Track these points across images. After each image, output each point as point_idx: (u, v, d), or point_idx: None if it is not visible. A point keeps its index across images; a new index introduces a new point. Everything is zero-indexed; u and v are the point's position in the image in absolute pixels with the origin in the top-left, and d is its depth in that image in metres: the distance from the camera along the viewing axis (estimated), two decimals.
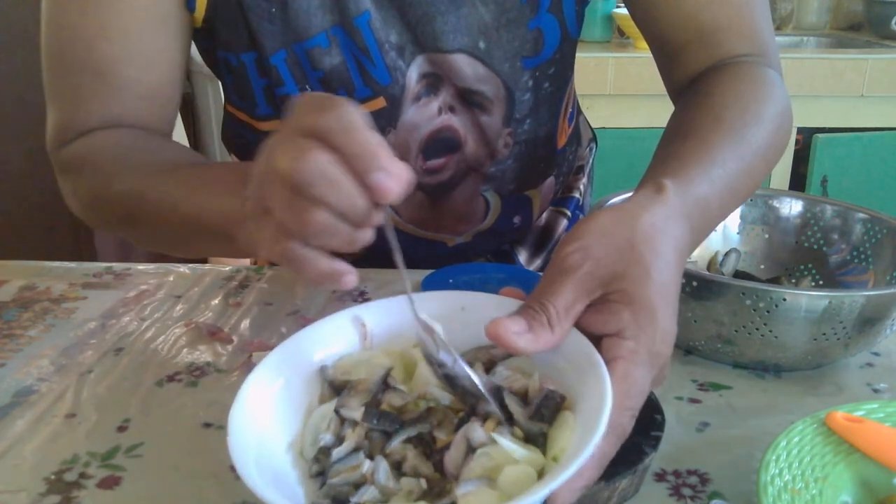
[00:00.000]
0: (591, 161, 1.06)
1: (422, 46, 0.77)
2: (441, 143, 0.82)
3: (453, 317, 0.51)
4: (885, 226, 0.75)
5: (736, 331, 0.64)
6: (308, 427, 0.47)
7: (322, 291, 0.83)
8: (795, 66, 2.02)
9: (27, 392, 0.65)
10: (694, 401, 0.64)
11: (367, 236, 0.44)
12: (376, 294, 0.82)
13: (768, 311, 0.62)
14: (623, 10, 2.21)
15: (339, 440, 0.46)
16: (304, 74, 0.76)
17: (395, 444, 0.44)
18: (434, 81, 0.79)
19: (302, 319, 0.77)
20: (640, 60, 2.04)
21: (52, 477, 0.55)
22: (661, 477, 0.55)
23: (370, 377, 0.48)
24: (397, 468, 0.44)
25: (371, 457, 0.44)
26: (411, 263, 0.95)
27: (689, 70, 0.76)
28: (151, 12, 0.72)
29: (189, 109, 2.46)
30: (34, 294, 0.84)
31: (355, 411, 0.46)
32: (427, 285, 0.77)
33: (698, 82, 0.72)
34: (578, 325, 0.46)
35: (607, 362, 0.43)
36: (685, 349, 0.70)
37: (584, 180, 1.04)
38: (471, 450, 0.43)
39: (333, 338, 0.50)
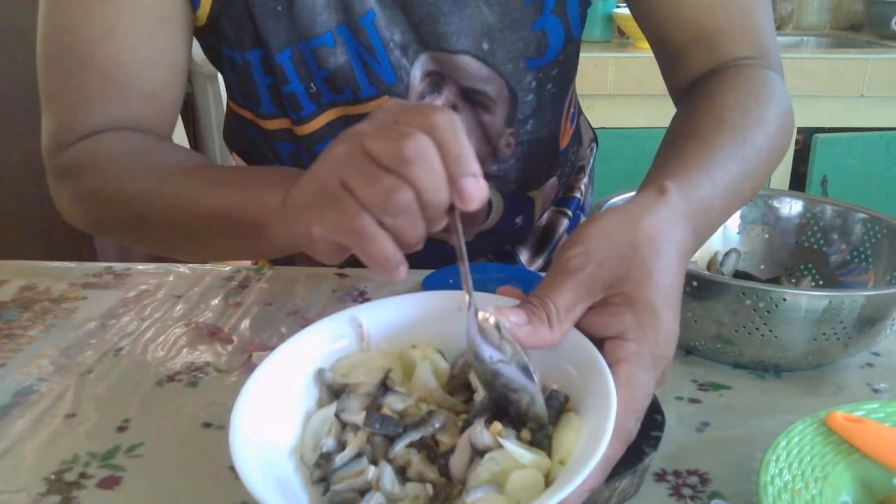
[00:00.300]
0: (591, 161, 1.06)
1: (425, 45, 0.77)
2: None
3: (451, 317, 0.51)
4: (885, 226, 0.75)
5: (736, 331, 0.64)
6: (308, 432, 0.47)
7: (323, 291, 0.83)
8: (795, 66, 2.02)
9: (27, 392, 0.65)
10: (694, 401, 0.64)
11: (424, 237, 0.45)
12: (376, 294, 0.82)
13: (768, 311, 0.62)
14: (623, 10, 2.21)
15: (341, 445, 0.45)
16: (309, 73, 0.77)
17: (399, 448, 0.44)
18: (437, 80, 0.79)
19: (302, 319, 0.77)
20: (640, 60, 2.04)
21: (52, 477, 0.55)
22: (661, 477, 0.55)
23: (369, 380, 0.48)
24: (401, 473, 0.44)
25: (374, 462, 0.44)
26: (412, 263, 0.95)
27: (691, 72, 0.76)
28: (156, 12, 0.71)
29: (189, 109, 2.46)
30: (34, 294, 0.84)
31: (356, 415, 0.46)
32: (427, 285, 0.77)
33: (700, 84, 0.72)
34: (580, 327, 0.46)
35: (610, 365, 0.43)
36: (685, 349, 0.70)
37: (585, 180, 1.04)
38: (476, 453, 0.43)
39: (331, 339, 0.50)
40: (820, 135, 2.14)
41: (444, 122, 0.43)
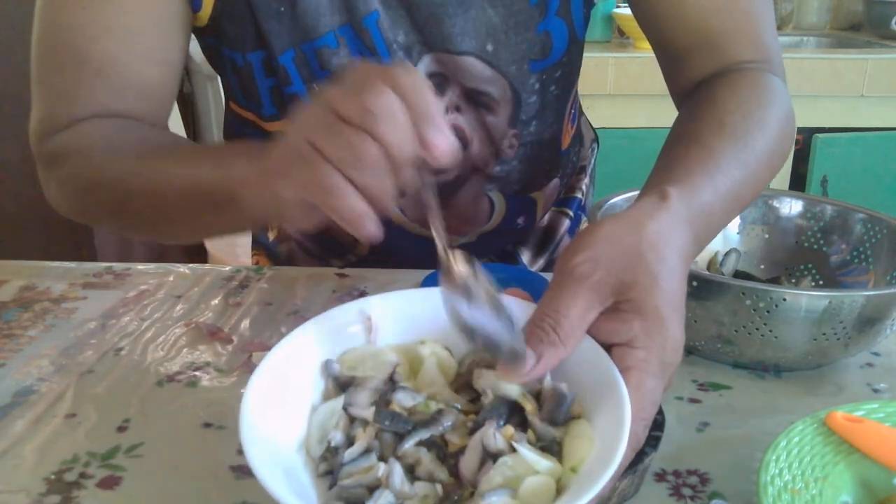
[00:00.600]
0: (593, 161, 1.06)
1: (429, 46, 0.77)
2: None
3: None
4: (885, 226, 0.75)
5: (736, 331, 0.64)
6: (314, 424, 0.46)
7: (323, 291, 0.83)
8: (795, 66, 2.02)
9: (27, 392, 0.65)
10: (694, 401, 0.64)
11: (394, 192, 0.45)
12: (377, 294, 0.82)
13: (768, 311, 0.62)
14: (623, 10, 2.21)
15: (349, 440, 0.45)
16: (311, 74, 0.77)
17: (408, 446, 0.44)
18: (440, 81, 0.79)
19: (302, 319, 0.76)
20: (641, 60, 2.04)
21: (52, 477, 0.55)
22: (661, 477, 0.55)
23: (376, 374, 0.48)
24: (410, 472, 0.43)
25: (383, 459, 0.44)
26: (415, 263, 0.95)
27: (694, 75, 0.75)
28: (153, 11, 0.72)
29: (189, 109, 2.46)
30: (34, 294, 0.84)
31: (365, 410, 0.45)
32: (427, 285, 0.77)
33: (702, 88, 0.72)
34: (588, 333, 0.46)
35: (620, 372, 0.43)
36: (685, 349, 0.70)
37: (587, 181, 1.04)
38: (487, 456, 0.43)
39: (338, 331, 0.50)
40: (820, 135, 2.14)
41: (410, 79, 0.44)
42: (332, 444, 0.45)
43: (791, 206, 0.81)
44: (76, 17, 0.71)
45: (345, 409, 0.46)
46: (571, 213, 1.02)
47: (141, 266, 0.91)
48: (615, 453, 0.39)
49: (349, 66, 0.48)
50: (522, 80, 0.80)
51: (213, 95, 2.31)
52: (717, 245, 0.81)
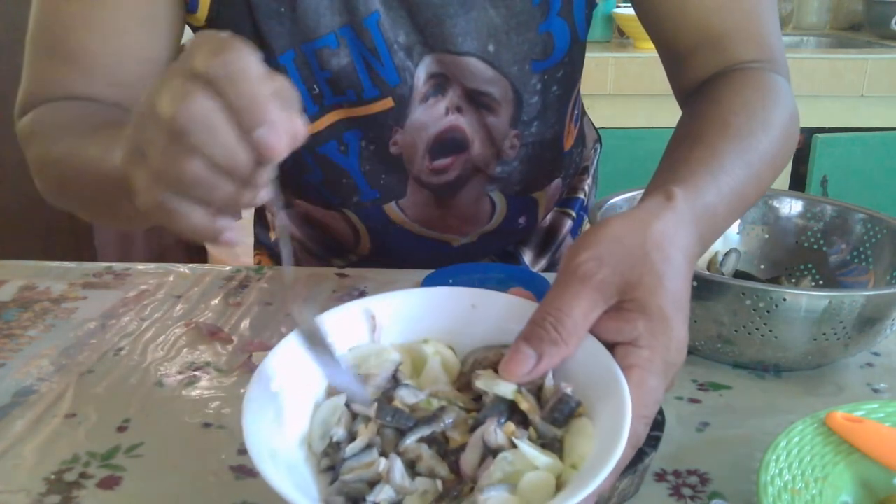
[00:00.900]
0: (595, 162, 1.06)
1: (430, 47, 0.76)
2: (448, 143, 0.82)
3: (463, 314, 0.51)
4: (885, 226, 0.75)
5: (736, 331, 0.64)
6: (316, 420, 0.46)
7: (323, 291, 0.83)
8: (795, 66, 2.00)
9: (27, 392, 0.65)
10: (694, 401, 0.64)
11: (253, 197, 0.42)
12: (377, 294, 0.82)
13: (768, 311, 0.62)
14: (623, 10, 2.21)
15: (351, 435, 0.45)
16: (311, 74, 0.76)
17: (409, 442, 0.44)
18: (441, 82, 0.79)
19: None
20: (641, 60, 2.04)
21: (52, 477, 0.55)
22: (661, 477, 0.55)
23: (380, 371, 0.48)
24: (411, 467, 0.44)
25: (384, 454, 0.44)
26: (416, 263, 0.96)
27: (697, 75, 0.75)
28: (136, 9, 0.72)
29: None
30: (34, 294, 0.84)
31: (368, 407, 0.46)
32: (427, 286, 0.77)
33: (706, 88, 0.72)
34: (592, 331, 0.46)
35: (622, 370, 0.43)
36: None
37: (589, 181, 1.04)
38: (488, 452, 0.43)
39: (342, 330, 0.50)
40: (820, 135, 2.14)
41: (225, 67, 0.39)
42: (334, 439, 0.45)
43: (791, 206, 0.81)
44: (58, 7, 0.72)
45: (347, 405, 0.46)
46: (574, 214, 1.02)
47: (141, 266, 0.91)
48: (615, 450, 0.39)
49: (195, 38, 0.42)
50: (524, 81, 0.80)
51: None
52: (717, 245, 0.81)
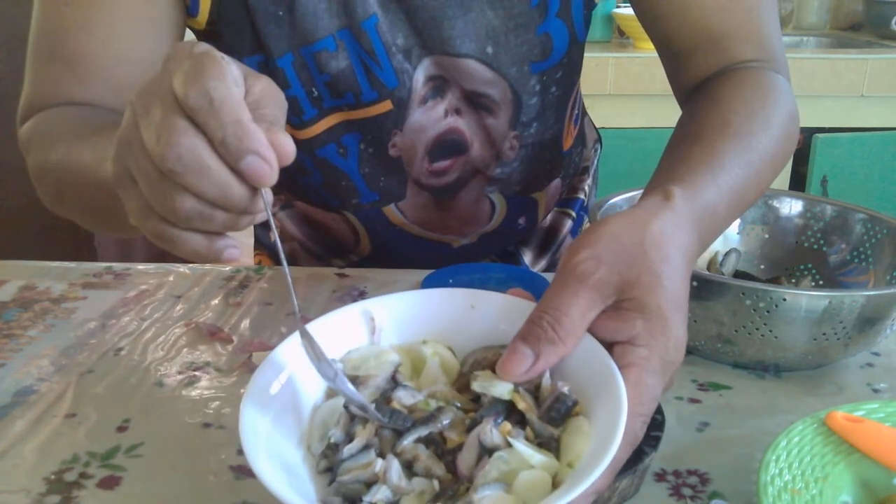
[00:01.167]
0: (595, 162, 1.06)
1: (429, 49, 0.76)
2: (447, 145, 0.82)
3: (462, 315, 0.51)
4: (885, 226, 0.75)
5: (736, 331, 0.64)
6: (315, 422, 0.47)
7: (323, 291, 0.83)
8: (795, 66, 2.00)
9: (27, 392, 0.65)
10: (694, 401, 0.64)
11: (250, 220, 0.42)
12: (377, 294, 0.82)
13: (768, 311, 0.62)
14: (623, 10, 2.21)
15: (349, 437, 0.45)
16: (310, 77, 0.76)
17: (407, 443, 0.44)
18: (440, 84, 0.79)
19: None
20: (641, 60, 2.04)
21: (52, 477, 0.55)
22: (661, 477, 0.55)
23: (378, 372, 0.48)
24: (408, 468, 0.44)
25: (382, 455, 0.44)
26: (417, 264, 0.96)
27: (697, 74, 0.75)
28: (138, 14, 0.72)
29: None
30: (34, 294, 0.84)
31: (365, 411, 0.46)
32: (427, 285, 0.77)
33: (706, 87, 0.72)
34: (590, 330, 0.46)
35: (620, 368, 0.43)
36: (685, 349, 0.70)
37: (589, 181, 1.04)
38: (484, 451, 0.43)
39: (342, 331, 0.50)
40: (820, 135, 2.14)
41: (203, 97, 0.38)
42: (332, 441, 0.45)
43: (791, 206, 0.81)
44: (59, 11, 0.72)
45: (345, 406, 0.46)
46: (574, 214, 1.02)
47: (141, 266, 0.91)
48: (611, 448, 0.39)
49: (171, 52, 0.42)
50: (523, 82, 0.80)
51: None
52: (717, 245, 0.81)
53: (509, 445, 0.43)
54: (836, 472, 0.50)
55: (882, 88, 2.10)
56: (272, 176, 0.40)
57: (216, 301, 0.81)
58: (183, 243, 0.42)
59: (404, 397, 0.46)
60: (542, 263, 1.01)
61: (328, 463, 0.45)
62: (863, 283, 0.76)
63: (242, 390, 0.45)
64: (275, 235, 0.44)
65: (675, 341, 0.45)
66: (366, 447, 0.44)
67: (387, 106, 0.78)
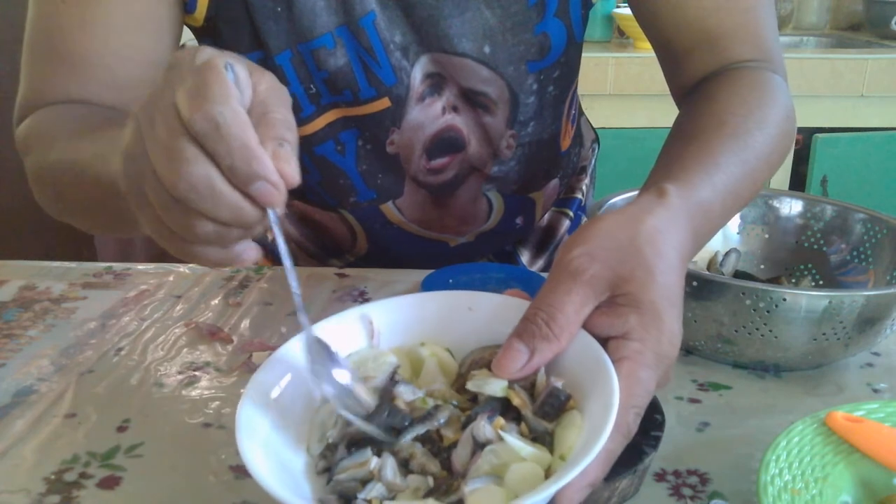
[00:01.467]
0: (593, 162, 1.06)
1: (426, 47, 0.76)
2: (445, 142, 0.82)
3: (460, 317, 0.51)
4: (885, 226, 0.75)
5: (736, 331, 0.64)
6: (314, 424, 0.47)
7: (323, 291, 0.83)
8: (795, 66, 2.02)
9: (27, 392, 0.65)
10: (694, 401, 0.64)
11: (262, 230, 0.43)
12: (377, 294, 0.82)
13: (768, 311, 0.62)
14: (623, 10, 2.21)
15: (346, 436, 0.45)
16: (308, 74, 0.76)
17: (403, 441, 0.44)
18: (438, 81, 0.79)
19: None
20: (641, 60, 2.04)
21: (52, 477, 0.55)
22: (661, 477, 0.55)
23: (377, 374, 0.48)
24: (404, 465, 0.44)
25: (378, 454, 0.44)
26: (414, 263, 0.95)
27: (694, 74, 0.75)
28: (136, 10, 0.72)
29: None
30: (34, 294, 0.84)
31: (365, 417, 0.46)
32: (427, 285, 0.77)
33: (702, 87, 0.72)
34: (584, 326, 0.46)
35: (613, 363, 0.43)
36: (685, 349, 0.70)
37: (587, 181, 1.04)
38: (478, 447, 0.43)
39: (341, 335, 0.50)
40: (820, 135, 2.14)
41: (208, 122, 0.39)
42: (330, 440, 0.45)
43: (791, 206, 0.81)
44: (57, 9, 0.71)
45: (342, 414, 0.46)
46: (571, 214, 1.02)
47: (141, 266, 0.91)
48: (601, 437, 0.39)
49: (172, 63, 0.42)
50: (520, 81, 0.80)
51: None
52: (717, 245, 0.81)
53: (502, 440, 0.43)
54: (836, 472, 0.50)
55: (882, 88, 2.10)
56: (281, 198, 0.40)
57: (216, 301, 0.81)
58: (204, 258, 0.43)
59: (405, 393, 0.47)
60: (540, 263, 1.01)
61: (326, 463, 0.45)
62: (863, 283, 0.76)
63: (242, 390, 0.45)
64: (283, 249, 0.44)
65: (668, 335, 0.45)
66: (362, 446, 0.44)
67: (385, 103, 0.78)
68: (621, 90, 2.07)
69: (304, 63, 0.76)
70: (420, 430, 0.45)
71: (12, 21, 1.81)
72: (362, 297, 0.82)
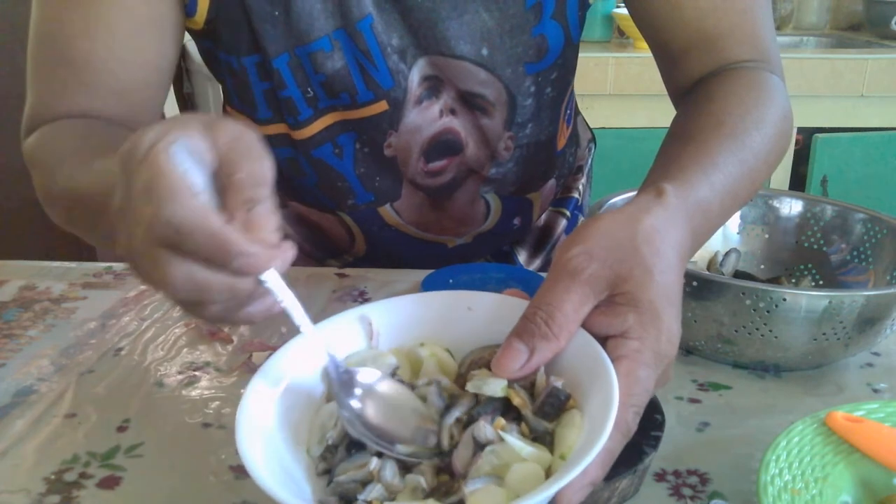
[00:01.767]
0: (589, 161, 1.06)
1: (424, 50, 0.76)
2: (442, 145, 0.82)
3: (460, 317, 0.51)
4: (885, 226, 0.75)
5: (736, 331, 0.64)
6: (314, 425, 0.47)
7: (323, 291, 0.83)
8: (795, 66, 2.02)
9: (27, 392, 0.65)
10: (694, 401, 0.64)
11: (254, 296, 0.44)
12: (376, 294, 0.82)
13: (768, 311, 0.62)
14: (623, 10, 2.21)
15: (346, 438, 0.45)
16: (306, 78, 0.76)
17: (446, 422, 0.45)
18: (435, 84, 0.79)
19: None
20: (640, 60, 2.04)
21: (52, 477, 0.55)
22: (661, 477, 0.55)
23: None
24: (404, 466, 0.44)
25: (379, 455, 0.44)
26: (412, 264, 0.95)
27: (691, 74, 0.75)
28: (139, 14, 0.71)
29: (189, 110, 2.46)
30: (34, 294, 0.84)
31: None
32: (427, 285, 0.77)
33: (700, 87, 0.72)
34: (583, 325, 0.46)
35: (612, 361, 0.43)
36: (685, 349, 0.70)
37: (584, 180, 1.04)
38: (478, 448, 0.43)
39: (340, 336, 0.50)
40: (820, 135, 2.14)
41: (172, 227, 0.38)
42: (330, 442, 0.45)
43: (791, 206, 0.81)
44: (60, 15, 0.71)
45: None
46: (568, 213, 1.02)
47: None
48: (601, 437, 0.39)
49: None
50: (518, 83, 0.80)
51: (214, 96, 2.32)
52: (717, 245, 0.81)
53: (502, 440, 0.43)
54: (836, 472, 0.50)
55: (882, 88, 2.10)
56: (267, 261, 0.40)
57: None
58: (230, 321, 0.45)
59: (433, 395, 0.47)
60: (537, 263, 1.01)
61: (327, 465, 0.45)
62: (863, 283, 0.76)
63: (242, 390, 0.45)
64: (291, 308, 0.46)
65: (667, 334, 0.45)
66: (362, 447, 0.44)
67: (382, 106, 0.78)
68: (621, 90, 2.07)
69: (301, 66, 0.76)
70: (458, 412, 0.45)
71: (12, 21, 1.81)
72: (362, 298, 0.82)
